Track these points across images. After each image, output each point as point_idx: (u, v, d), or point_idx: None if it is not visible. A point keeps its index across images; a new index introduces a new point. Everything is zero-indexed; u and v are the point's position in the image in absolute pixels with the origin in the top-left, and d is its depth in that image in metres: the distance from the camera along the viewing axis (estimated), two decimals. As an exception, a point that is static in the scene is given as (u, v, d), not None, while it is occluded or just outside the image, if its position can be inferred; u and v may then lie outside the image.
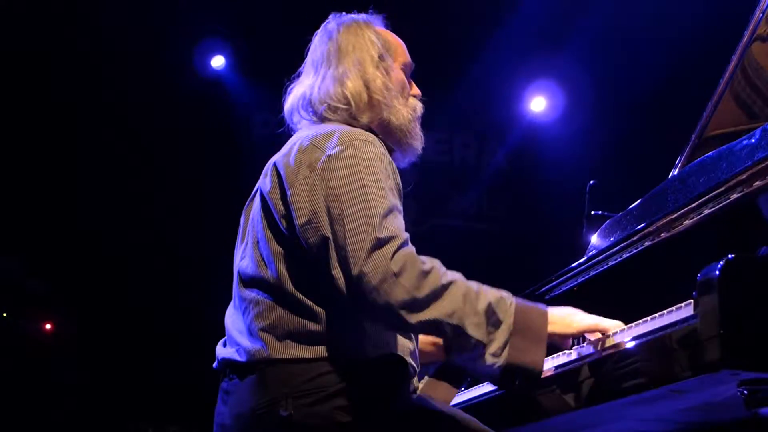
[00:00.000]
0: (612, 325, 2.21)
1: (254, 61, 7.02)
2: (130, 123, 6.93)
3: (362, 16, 2.49)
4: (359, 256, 2.03)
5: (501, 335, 2.09)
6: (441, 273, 2.08)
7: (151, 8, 6.48)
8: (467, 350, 2.11)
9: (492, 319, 2.09)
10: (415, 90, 2.50)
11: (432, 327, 2.08)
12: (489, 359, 2.09)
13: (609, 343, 2.14)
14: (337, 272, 2.09)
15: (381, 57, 2.40)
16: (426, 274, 2.05)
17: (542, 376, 2.21)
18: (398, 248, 2.05)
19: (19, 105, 6.77)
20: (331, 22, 2.47)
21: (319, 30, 2.49)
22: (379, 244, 2.04)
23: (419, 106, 2.47)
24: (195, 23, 6.78)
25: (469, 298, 2.08)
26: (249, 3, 6.73)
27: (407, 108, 2.42)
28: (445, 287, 2.07)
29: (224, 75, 7.17)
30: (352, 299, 2.07)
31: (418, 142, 2.44)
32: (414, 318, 2.05)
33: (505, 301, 2.13)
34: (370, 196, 2.11)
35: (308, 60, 2.48)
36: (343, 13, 2.50)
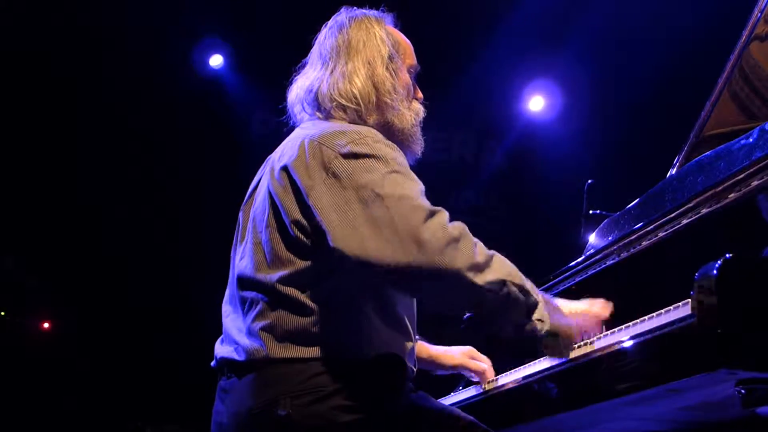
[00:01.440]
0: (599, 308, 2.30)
1: (253, 60, 7.02)
2: (129, 122, 6.93)
3: (374, 12, 2.47)
4: (413, 226, 2.03)
5: (541, 300, 2.17)
6: (482, 244, 2.14)
7: (150, 8, 6.48)
8: (518, 313, 2.15)
9: (533, 286, 2.16)
10: (419, 93, 2.49)
11: (498, 287, 2.10)
12: (537, 324, 2.16)
13: (609, 341, 2.14)
14: (382, 257, 2.03)
15: (391, 57, 2.39)
16: (476, 243, 2.11)
17: (541, 375, 2.23)
18: (448, 219, 2.09)
19: (19, 104, 6.77)
20: (342, 15, 2.46)
21: (329, 21, 2.47)
22: (432, 213, 2.07)
23: (421, 111, 2.47)
24: (194, 23, 6.78)
25: (513, 266, 2.15)
26: (248, 2, 6.73)
27: (411, 112, 2.42)
28: (492, 256, 2.13)
29: (223, 74, 7.18)
30: (405, 277, 2.05)
31: (417, 146, 2.44)
32: (481, 278, 2.08)
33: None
34: (401, 175, 2.13)
35: (315, 51, 2.46)
36: (354, 7, 2.49)
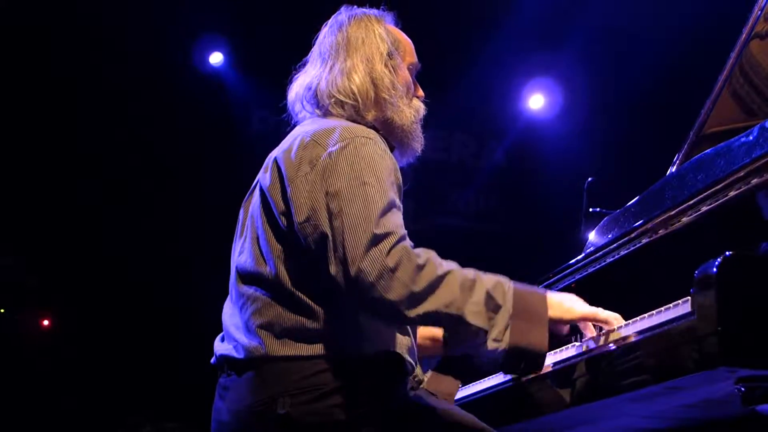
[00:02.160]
0: (609, 316, 2.21)
1: (252, 57, 7.03)
2: (129, 120, 6.93)
3: (374, 11, 2.48)
4: (357, 253, 2.03)
5: (501, 319, 2.10)
6: (437, 264, 2.08)
7: (150, 5, 6.48)
8: (468, 339, 2.12)
9: (491, 304, 2.10)
10: (419, 91, 2.49)
11: (431, 319, 2.08)
12: (492, 344, 2.10)
13: (607, 339, 2.14)
14: (335, 269, 2.07)
15: (390, 54, 2.40)
16: (421, 267, 2.05)
17: (542, 371, 2.22)
18: (395, 244, 2.04)
19: (19, 103, 6.77)
20: (342, 14, 2.46)
21: (329, 20, 2.48)
22: (376, 240, 2.04)
23: (422, 108, 2.47)
24: (194, 20, 6.78)
25: (465, 287, 2.09)
26: (248, 0, 6.73)
27: (411, 109, 2.42)
28: (441, 278, 2.07)
29: (222, 72, 7.18)
30: (351, 296, 2.07)
31: (418, 143, 2.44)
32: (413, 312, 2.05)
33: (503, 285, 2.13)
34: (369, 194, 2.10)
35: (315, 49, 2.47)
36: (354, 6, 2.50)
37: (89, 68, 6.73)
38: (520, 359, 2.13)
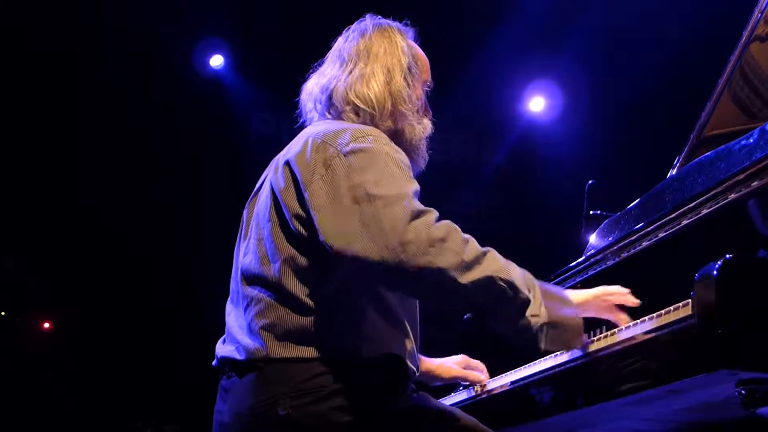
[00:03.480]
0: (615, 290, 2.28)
1: (253, 60, 7.03)
2: (129, 123, 6.94)
3: (397, 24, 2.50)
4: (399, 226, 2.02)
5: (537, 295, 2.14)
6: (475, 241, 2.11)
7: (150, 8, 6.48)
8: (509, 313, 2.12)
9: (528, 281, 2.14)
10: (429, 113, 2.52)
11: (485, 285, 2.07)
12: (532, 320, 2.12)
13: (607, 342, 2.14)
14: (363, 245, 2.02)
15: (409, 68, 2.41)
16: (467, 240, 2.09)
17: (541, 376, 2.22)
18: (437, 218, 2.07)
19: (19, 104, 6.78)
20: (366, 21, 2.48)
21: (352, 25, 2.49)
22: (418, 214, 2.05)
23: (429, 127, 2.49)
24: (194, 23, 6.79)
25: (506, 261, 2.13)
26: (248, 2, 6.73)
27: (421, 125, 2.44)
28: (485, 252, 2.10)
29: (223, 74, 7.18)
30: (390, 276, 2.04)
31: (422, 160, 2.46)
32: (466, 278, 2.05)
33: (527, 273, 2.18)
34: (397, 176, 2.12)
35: (334, 52, 2.47)
36: (379, 16, 2.51)
37: (90, 70, 6.73)
38: (560, 333, 2.16)
